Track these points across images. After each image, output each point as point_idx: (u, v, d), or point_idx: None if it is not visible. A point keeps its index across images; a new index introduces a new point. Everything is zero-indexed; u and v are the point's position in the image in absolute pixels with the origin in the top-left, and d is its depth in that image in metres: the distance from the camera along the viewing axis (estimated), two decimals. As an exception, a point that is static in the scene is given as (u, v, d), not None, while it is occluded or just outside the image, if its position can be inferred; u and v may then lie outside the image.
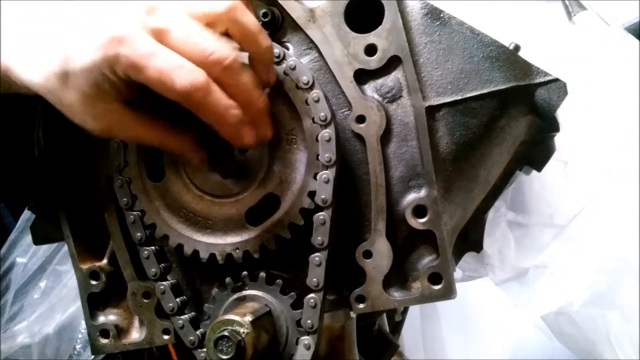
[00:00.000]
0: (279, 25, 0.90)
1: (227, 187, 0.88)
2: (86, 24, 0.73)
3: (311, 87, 0.83)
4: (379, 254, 0.86)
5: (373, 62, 0.86)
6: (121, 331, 1.00)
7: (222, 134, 0.78)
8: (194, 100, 0.72)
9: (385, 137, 0.87)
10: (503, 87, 0.85)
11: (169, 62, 0.70)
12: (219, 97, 0.73)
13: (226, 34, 0.75)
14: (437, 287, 0.85)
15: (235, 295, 0.89)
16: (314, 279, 0.83)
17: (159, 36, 0.71)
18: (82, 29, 0.73)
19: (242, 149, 0.85)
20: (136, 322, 1.01)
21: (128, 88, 0.74)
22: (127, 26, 0.70)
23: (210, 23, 0.74)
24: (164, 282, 0.91)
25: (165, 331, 0.95)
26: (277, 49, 0.83)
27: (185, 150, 0.83)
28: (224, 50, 0.72)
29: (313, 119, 0.83)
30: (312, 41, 0.88)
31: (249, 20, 0.76)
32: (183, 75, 0.70)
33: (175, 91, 0.70)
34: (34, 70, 0.75)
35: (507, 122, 0.88)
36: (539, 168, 0.96)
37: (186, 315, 0.91)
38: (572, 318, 1.16)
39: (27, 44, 0.76)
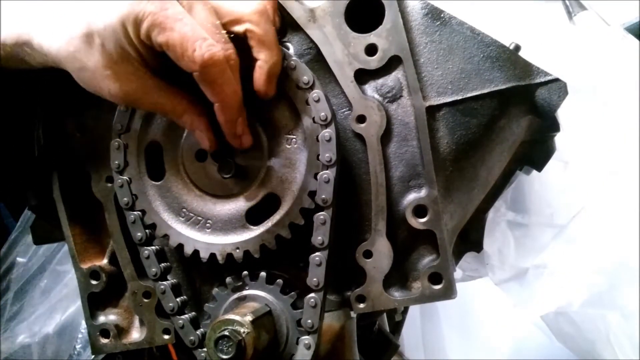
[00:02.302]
0: (279, 25, 0.90)
1: (228, 187, 0.88)
2: None
3: (311, 87, 0.83)
4: (379, 253, 0.86)
5: (373, 62, 0.86)
6: (121, 331, 1.00)
7: (222, 122, 0.80)
8: (209, 74, 0.72)
9: (386, 137, 0.87)
10: (503, 87, 0.85)
11: (194, 31, 0.71)
12: (231, 77, 0.75)
13: (244, 36, 0.77)
14: (437, 287, 0.85)
15: (236, 295, 0.89)
16: (314, 279, 0.84)
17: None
18: None
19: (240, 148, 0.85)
20: (136, 322, 1.01)
21: (150, 54, 0.75)
22: None
23: (233, 21, 0.75)
24: (164, 282, 0.91)
25: (166, 331, 0.95)
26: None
27: (200, 127, 0.83)
28: (228, 47, 0.74)
29: (313, 118, 0.83)
30: (312, 41, 0.88)
31: (269, 29, 0.78)
32: (205, 46, 0.71)
33: (194, 60, 0.71)
34: (56, 36, 0.74)
35: (507, 122, 0.88)
36: (539, 168, 0.96)
37: (186, 315, 0.91)
38: (571, 318, 1.16)
39: (49, 11, 0.76)
